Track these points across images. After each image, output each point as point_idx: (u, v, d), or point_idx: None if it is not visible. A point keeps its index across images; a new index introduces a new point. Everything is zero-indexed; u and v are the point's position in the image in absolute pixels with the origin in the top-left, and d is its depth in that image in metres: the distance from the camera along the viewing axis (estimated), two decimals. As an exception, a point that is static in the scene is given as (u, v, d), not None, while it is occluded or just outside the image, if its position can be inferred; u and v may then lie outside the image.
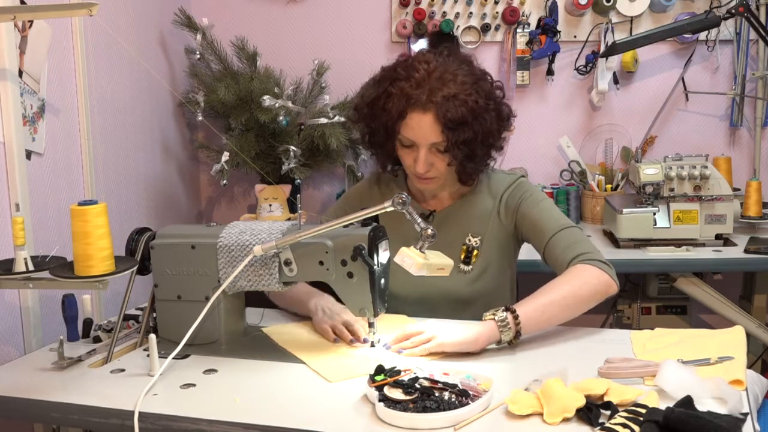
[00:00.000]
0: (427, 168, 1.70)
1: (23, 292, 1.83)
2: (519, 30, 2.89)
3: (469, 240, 1.79)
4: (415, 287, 1.78)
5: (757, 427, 1.18)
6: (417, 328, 1.54)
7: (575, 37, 2.92)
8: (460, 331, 1.49)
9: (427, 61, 1.68)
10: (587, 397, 1.21)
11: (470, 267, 1.79)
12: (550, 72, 2.93)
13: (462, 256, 1.79)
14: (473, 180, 1.80)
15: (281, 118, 2.63)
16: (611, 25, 2.85)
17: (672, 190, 2.41)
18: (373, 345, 1.55)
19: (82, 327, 1.70)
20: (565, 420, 1.18)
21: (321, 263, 1.49)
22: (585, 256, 1.65)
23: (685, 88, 2.91)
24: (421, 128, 1.65)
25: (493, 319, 1.51)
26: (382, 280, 1.52)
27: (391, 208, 1.43)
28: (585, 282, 1.60)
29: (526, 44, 2.90)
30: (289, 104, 2.65)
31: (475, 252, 1.78)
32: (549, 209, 1.77)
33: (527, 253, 1.88)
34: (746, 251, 2.35)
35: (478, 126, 1.65)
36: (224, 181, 2.70)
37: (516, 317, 1.51)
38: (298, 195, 1.93)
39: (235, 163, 2.70)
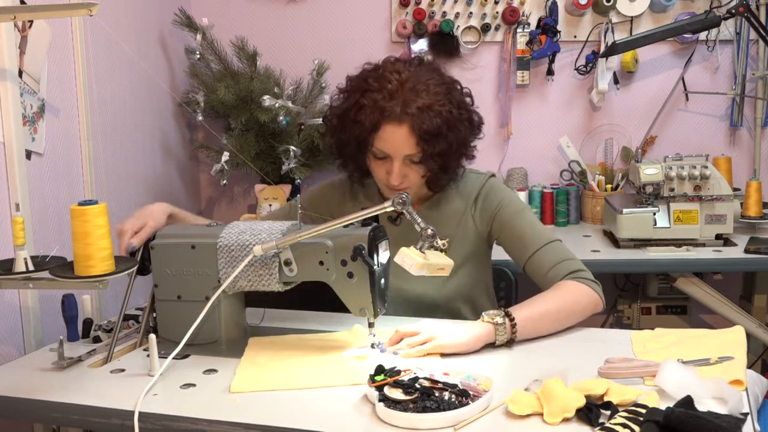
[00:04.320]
0: (401, 180, 1.67)
1: (23, 292, 1.83)
2: (519, 30, 2.90)
3: (437, 242, 1.76)
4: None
5: (757, 427, 1.18)
6: (412, 329, 1.53)
7: (575, 37, 2.92)
8: (457, 333, 1.50)
9: (398, 71, 1.65)
10: (587, 397, 1.21)
11: None
12: (550, 72, 2.93)
13: None
14: (441, 187, 1.77)
15: (281, 118, 2.63)
16: (611, 25, 2.85)
17: (672, 190, 2.41)
18: (373, 346, 1.55)
19: (82, 327, 1.70)
20: (565, 420, 1.18)
21: (321, 263, 1.49)
22: (577, 275, 1.68)
23: (685, 88, 2.91)
24: (396, 140, 1.63)
25: (492, 322, 1.52)
26: (382, 280, 1.52)
27: (391, 208, 1.44)
28: (577, 300, 1.64)
29: (526, 44, 2.90)
30: (289, 104, 2.65)
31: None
32: (531, 220, 1.76)
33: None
34: (746, 251, 2.35)
35: (453, 137, 1.63)
36: (224, 181, 2.70)
37: (513, 325, 1.53)
38: (298, 195, 1.93)
39: (235, 163, 2.70)
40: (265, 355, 1.53)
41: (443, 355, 1.49)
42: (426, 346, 1.48)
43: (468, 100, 1.73)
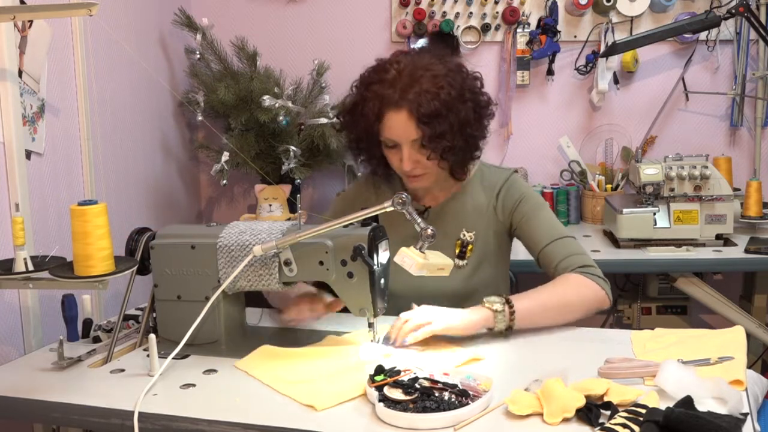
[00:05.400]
0: (413, 165, 1.70)
1: (23, 292, 1.83)
2: (519, 30, 2.90)
3: (464, 235, 1.80)
4: (412, 285, 1.78)
5: (757, 427, 1.18)
6: (412, 314, 1.55)
7: (575, 37, 2.92)
8: (457, 316, 1.54)
9: (397, 61, 1.70)
10: (587, 397, 1.21)
11: (465, 262, 1.80)
12: (550, 72, 2.93)
13: (457, 251, 1.80)
14: (464, 172, 1.81)
15: (281, 118, 2.63)
16: (611, 25, 2.85)
17: (672, 190, 2.41)
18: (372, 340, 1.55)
19: (82, 327, 1.70)
20: (565, 420, 1.18)
21: (321, 263, 1.49)
22: (585, 269, 1.69)
23: (685, 88, 2.91)
24: (399, 126, 1.66)
25: (491, 309, 1.55)
26: (382, 280, 1.52)
27: (391, 208, 1.43)
28: (579, 294, 1.65)
29: (526, 44, 2.90)
30: (289, 104, 2.65)
31: (470, 246, 1.80)
32: (547, 215, 1.80)
33: (527, 252, 1.87)
34: (746, 251, 2.34)
35: (454, 117, 1.66)
36: (224, 181, 2.70)
37: (512, 312, 1.55)
38: (298, 195, 1.93)
39: (235, 163, 2.70)
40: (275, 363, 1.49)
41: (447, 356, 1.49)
42: (433, 327, 1.51)
43: (476, 83, 1.75)
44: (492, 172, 1.86)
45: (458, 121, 1.67)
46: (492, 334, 1.58)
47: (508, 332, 1.57)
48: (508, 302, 1.56)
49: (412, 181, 1.76)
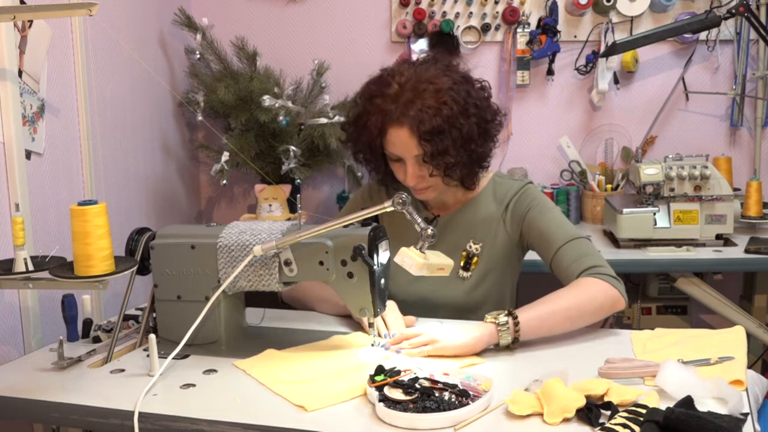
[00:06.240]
0: (418, 180, 1.68)
1: (23, 292, 1.83)
2: (519, 30, 2.90)
3: (470, 246, 1.77)
4: (415, 292, 1.78)
5: (758, 428, 1.18)
6: (416, 331, 1.55)
7: (575, 37, 2.92)
8: (459, 335, 1.49)
9: (401, 73, 1.66)
10: (587, 397, 1.21)
11: (469, 273, 1.78)
12: (550, 72, 2.93)
13: (462, 263, 1.78)
14: (474, 183, 1.78)
15: (281, 118, 2.63)
16: (611, 25, 2.85)
17: (672, 190, 2.41)
18: (372, 345, 1.55)
19: (81, 327, 1.70)
20: (566, 420, 1.18)
21: (321, 263, 1.49)
22: (595, 270, 1.63)
23: (686, 88, 2.91)
24: (400, 143, 1.64)
25: (494, 322, 1.51)
26: (382, 280, 1.52)
27: (391, 208, 1.43)
28: (592, 296, 1.58)
29: (527, 44, 2.90)
30: (289, 104, 2.65)
31: (475, 259, 1.77)
32: (558, 219, 1.74)
33: (528, 254, 1.87)
34: (746, 251, 2.35)
35: (457, 133, 1.62)
36: (224, 181, 2.70)
37: (516, 323, 1.50)
38: (298, 195, 1.93)
39: (235, 163, 2.70)
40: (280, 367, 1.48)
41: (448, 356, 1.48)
42: (427, 348, 1.48)
43: (483, 94, 1.71)
44: (505, 184, 1.82)
45: (461, 137, 1.63)
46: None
47: (515, 345, 1.51)
48: (510, 314, 1.51)
49: (418, 193, 1.74)
